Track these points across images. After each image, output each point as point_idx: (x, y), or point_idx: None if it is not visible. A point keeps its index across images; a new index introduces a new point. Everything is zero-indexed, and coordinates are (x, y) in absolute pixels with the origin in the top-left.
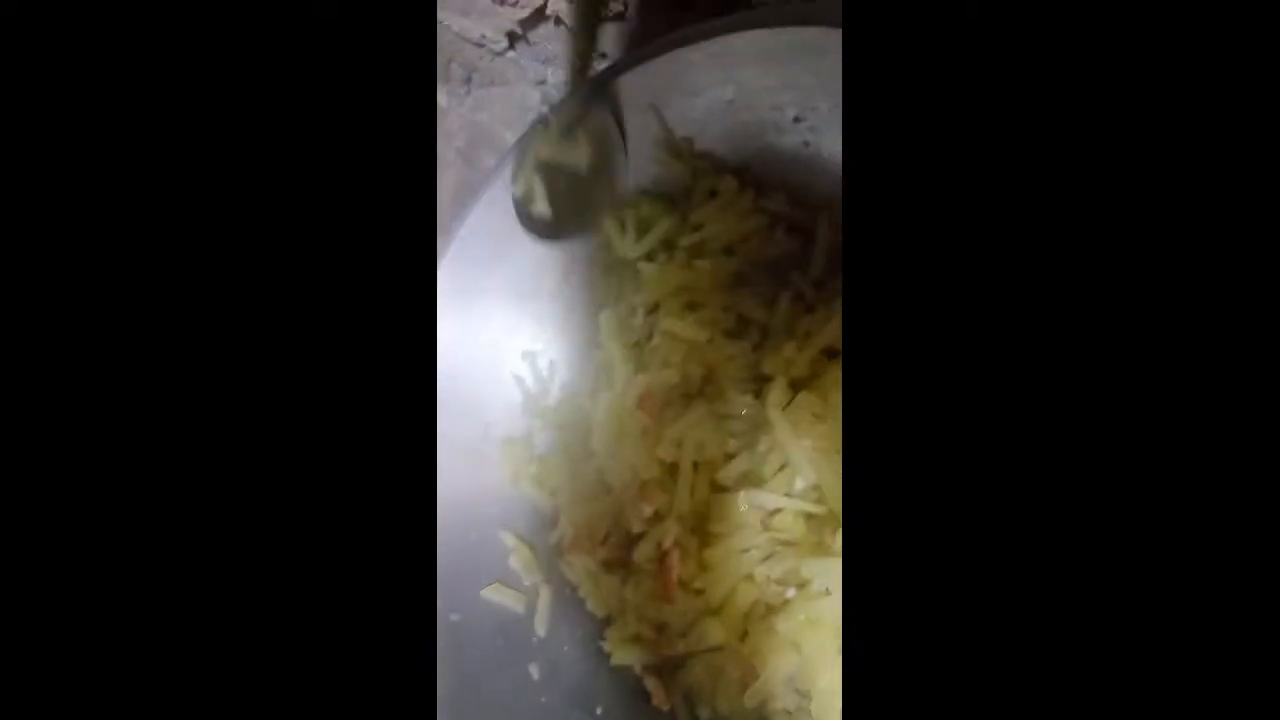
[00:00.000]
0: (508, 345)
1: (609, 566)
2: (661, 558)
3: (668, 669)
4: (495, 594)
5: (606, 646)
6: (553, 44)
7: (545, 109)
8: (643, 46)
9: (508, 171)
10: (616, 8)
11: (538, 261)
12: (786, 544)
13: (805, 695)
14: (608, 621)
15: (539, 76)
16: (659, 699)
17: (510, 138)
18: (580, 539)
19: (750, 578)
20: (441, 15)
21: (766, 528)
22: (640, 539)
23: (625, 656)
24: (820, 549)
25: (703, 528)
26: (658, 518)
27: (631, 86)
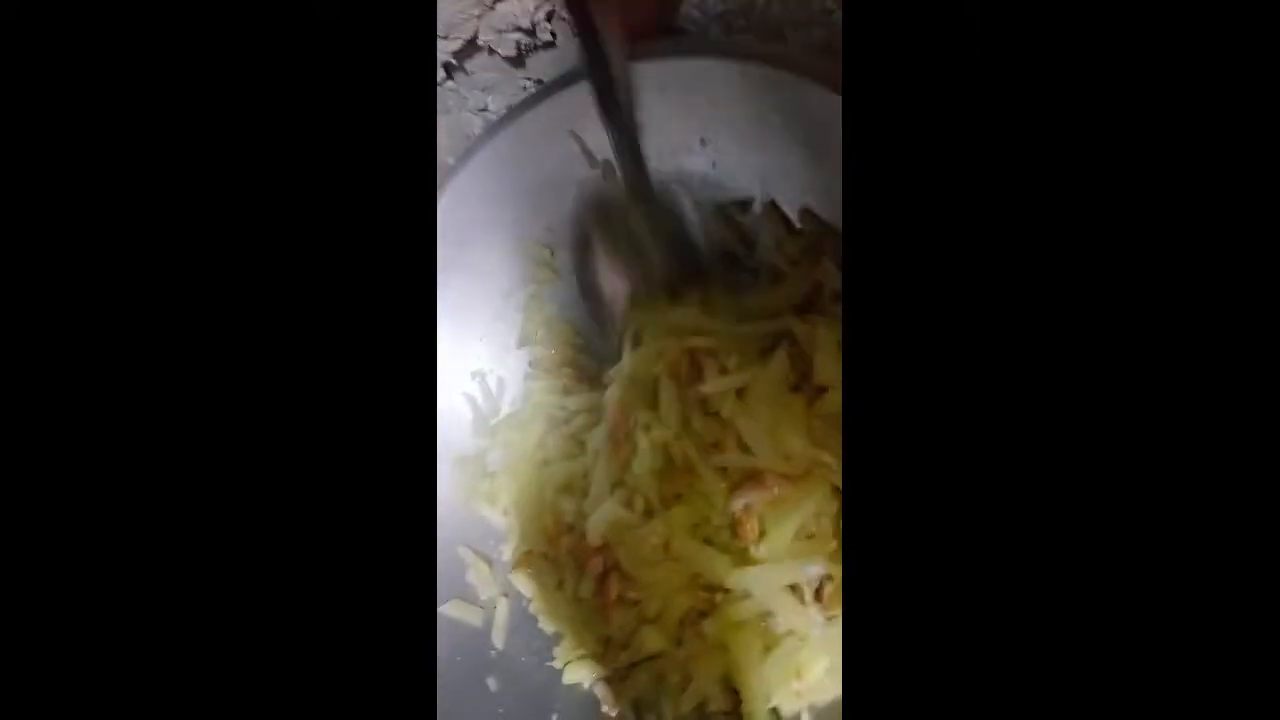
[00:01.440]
0: (457, 366)
1: (558, 584)
2: (600, 580)
3: (616, 678)
4: (453, 610)
5: (557, 664)
6: (490, 72)
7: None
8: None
9: (444, 198)
10: (545, 37)
11: (478, 283)
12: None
13: (738, 695)
14: (559, 636)
15: (479, 104)
16: (609, 706)
17: (453, 163)
18: (529, 556)
19: (684, 587)
20: None
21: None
22: (598, 551)
23: (576, 674)
24: (744, 559)
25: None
26: (594, 551)
27: (552, 113)
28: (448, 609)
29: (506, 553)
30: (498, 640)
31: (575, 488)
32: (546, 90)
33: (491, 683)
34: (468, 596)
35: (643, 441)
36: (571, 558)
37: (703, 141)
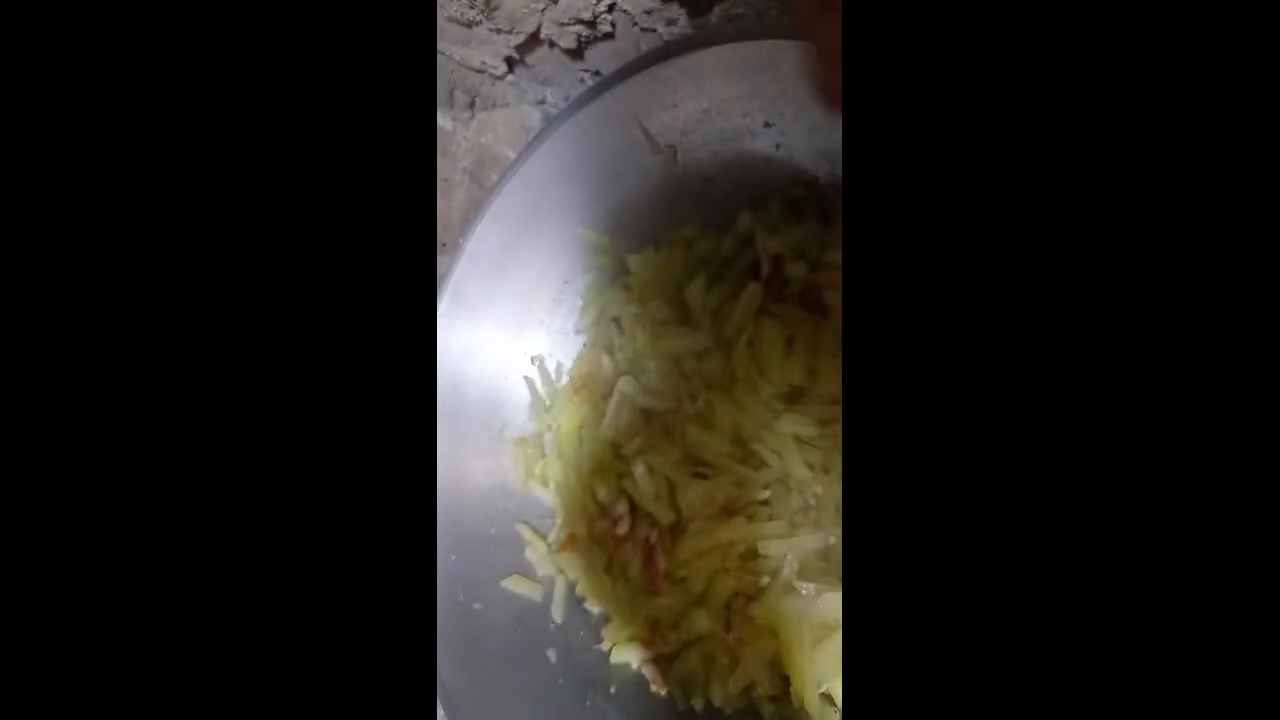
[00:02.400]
0: (518, 350)
1: (605, 566)
2: (647, 552)
3: (664, 659)
4: (514, 584)
5: (604, 645)
6: (549, 65)
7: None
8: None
9: (507, 187)
10: (604, 29)
11: (540, 272)
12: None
13: (787, 680)
14: (607, 618)
15: (538, 96)
16: (657, 686)
17: (513, 156)
18: (572, 538)
19: (726, 569)
20: (442, 45)
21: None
22: (624, 540)
23: (623, 654)
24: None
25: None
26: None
27: (616, 102)
28: (508, 583)
29: (550, 536)
30: (556, 615)
31: (610, 470)
32: (609, 81)
33: (551, 655)
34: (527, 572)
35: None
36: (611, 539)
37: (767, 124)
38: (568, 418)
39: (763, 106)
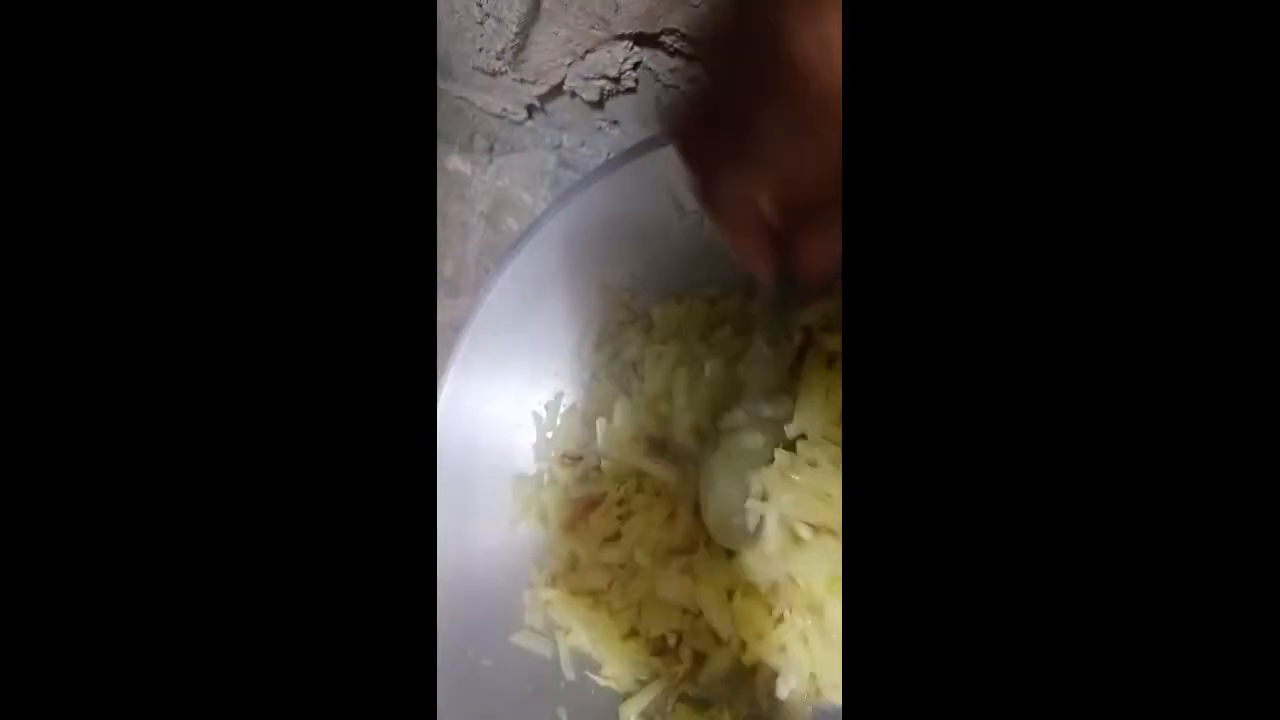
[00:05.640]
0: (533, 399)
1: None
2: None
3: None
4: (523, 640)
5: (613, 683)
6: (568, 113)
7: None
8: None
9: (530, 240)
10: (628, 84)
11: (559, 323)
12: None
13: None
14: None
15: (555, 141)
16: None
17: (529, 200)
18: (563, 571)
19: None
20: (465, 92)
21: None
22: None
23: (633, 706)
24: None
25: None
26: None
27: (648, 168)
28: (518, 639)
29: (542, 576)
30: (567, 672)
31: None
32: (643, 147)
33: (562, 713)
34: (537, 627)
35: None
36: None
37: None
38: (570, 449)
39: None
